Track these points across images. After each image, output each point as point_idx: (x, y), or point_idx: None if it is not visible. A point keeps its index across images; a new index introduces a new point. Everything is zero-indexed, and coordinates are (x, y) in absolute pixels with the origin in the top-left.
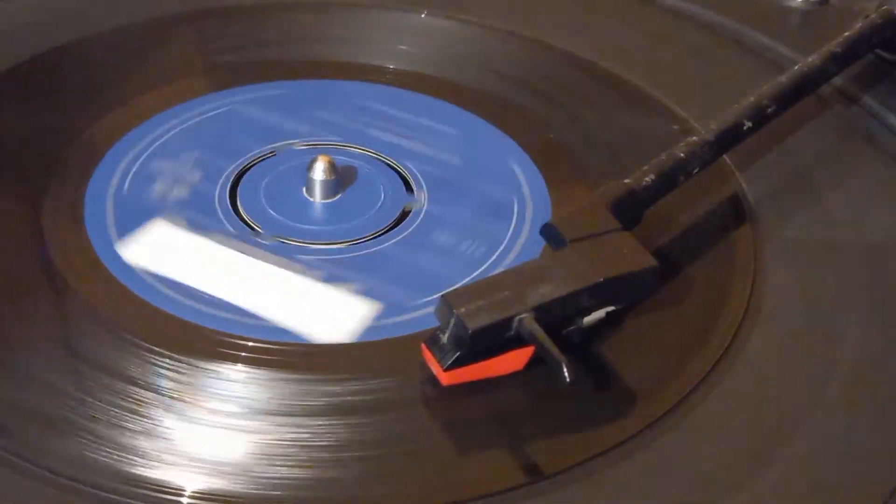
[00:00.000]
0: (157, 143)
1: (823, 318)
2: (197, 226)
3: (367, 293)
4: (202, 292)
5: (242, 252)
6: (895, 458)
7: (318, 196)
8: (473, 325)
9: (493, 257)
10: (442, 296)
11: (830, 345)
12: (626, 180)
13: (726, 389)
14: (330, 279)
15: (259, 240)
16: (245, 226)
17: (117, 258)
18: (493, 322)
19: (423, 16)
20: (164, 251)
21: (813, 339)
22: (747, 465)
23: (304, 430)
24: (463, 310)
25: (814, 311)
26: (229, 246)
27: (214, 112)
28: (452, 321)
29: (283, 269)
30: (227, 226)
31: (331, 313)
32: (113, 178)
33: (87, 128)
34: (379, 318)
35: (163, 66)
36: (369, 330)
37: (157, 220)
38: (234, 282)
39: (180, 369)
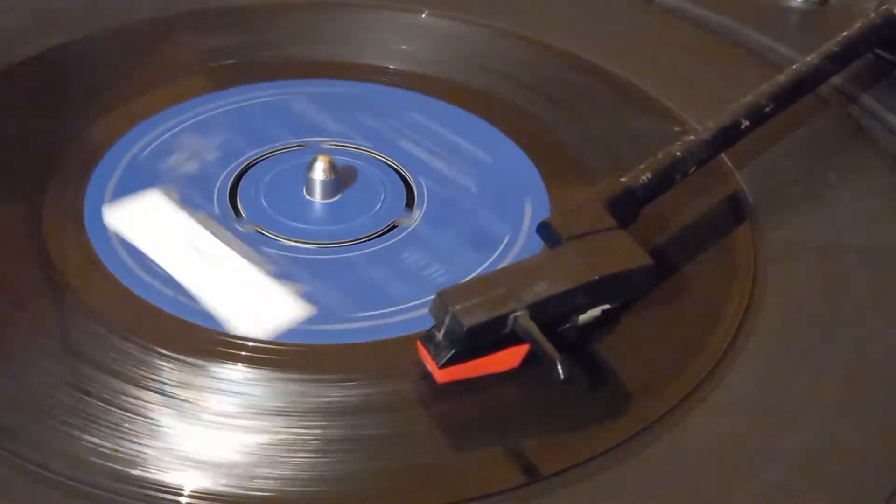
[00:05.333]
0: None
1: (822, 318)
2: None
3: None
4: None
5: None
6: (895, 458)
7: (318, 196)
8: (469, 322)
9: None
10: (437, 293)
11: (829, 345)
12: (623, 178)
13: (725, 389)
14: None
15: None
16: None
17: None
18: (489, 319)
19: (423, 16)
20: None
21: (812, 339)
22: (746, 466)
23: (303, 430)
24: (458, 307)
25: (813, 310)
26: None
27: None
28: (448, 318)
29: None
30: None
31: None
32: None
33: (87, 128)
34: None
35: (163, 66)
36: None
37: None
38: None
39: (180, 369)
